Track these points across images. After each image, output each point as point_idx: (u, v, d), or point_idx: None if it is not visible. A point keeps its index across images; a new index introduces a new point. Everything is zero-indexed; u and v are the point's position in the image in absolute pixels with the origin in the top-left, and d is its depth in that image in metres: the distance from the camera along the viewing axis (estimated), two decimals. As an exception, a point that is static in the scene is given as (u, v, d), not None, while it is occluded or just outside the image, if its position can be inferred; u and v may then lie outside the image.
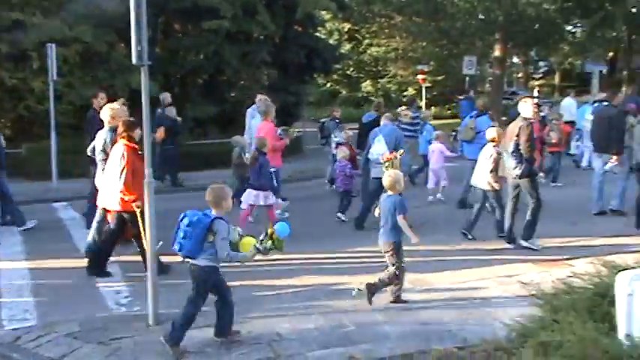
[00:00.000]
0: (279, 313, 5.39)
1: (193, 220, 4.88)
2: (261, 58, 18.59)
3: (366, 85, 38.05)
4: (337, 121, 13.36)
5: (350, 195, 10.20)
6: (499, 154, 8.26)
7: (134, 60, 5.39)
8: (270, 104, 10.72)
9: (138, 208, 6.60)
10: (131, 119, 7.36)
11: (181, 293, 5.30)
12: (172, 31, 19.80)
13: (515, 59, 41.46)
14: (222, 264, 5.04)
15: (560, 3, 25.62)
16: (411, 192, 9.30)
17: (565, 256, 7.57)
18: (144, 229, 6.06)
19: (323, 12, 24.81)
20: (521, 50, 30.90)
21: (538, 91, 27.76)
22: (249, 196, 8.83)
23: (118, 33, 15.33)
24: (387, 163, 7.40)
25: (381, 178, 8.68)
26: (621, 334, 4.06)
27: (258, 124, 10.54)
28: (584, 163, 14.75)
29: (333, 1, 19.72)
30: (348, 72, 38.04)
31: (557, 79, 50.35)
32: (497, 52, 26.71)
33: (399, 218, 5.90)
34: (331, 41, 31.63)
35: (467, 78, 24.30)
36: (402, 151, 8.13)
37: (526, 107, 8.25)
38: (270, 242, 5.00)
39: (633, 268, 4.54)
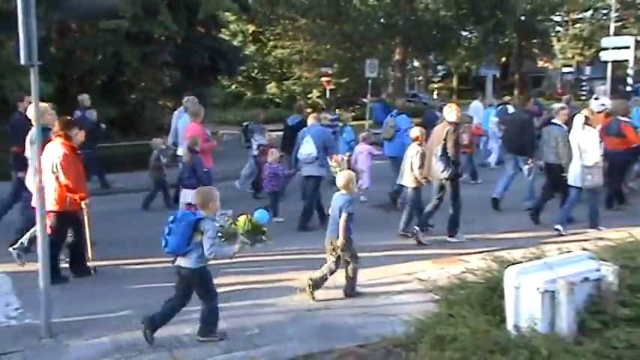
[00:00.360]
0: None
1: (177, 217, 5.06)
2: (162, 60, 18.17)
3: (271, 87, 38.03)
4: (258, 124, 13.34)
5: (279, 196, 10.34)
6: (424, 151, 8.64)
7: (22, 60, 5.13)
8: (200, 105, 10.72)
9: (87, 207, 6.90)
10: (68, 118, 7.32)
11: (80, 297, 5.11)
12: (68, 30, 19.00)
13: (416, 63, 42.82)
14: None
15: (455, 10, 26.73)
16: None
17: (460, 252, 7.90)
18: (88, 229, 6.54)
19: (227, 13, 24.62)
20: (420, 54, 31.94)
21: (437, 94, 28.74)
22: (186, 196, 8.75)
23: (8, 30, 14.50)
24: (335, 164, 7.84)
25: (312, 177, 9.48)
26: (510, 326, 4.30)
27: (186, 125, 10.43)
28: (492, 164, 15.23)
29: (235, 2, 19.56)
30: (252, 74, 37.89)
31: (455, 82, 52.51)
32: (397, 56, 27.52)
33: (343, 216, 6.12)
34: (235, 43, 31.38)
35: (369, 81, 24.85)
36: (348, 154, 8.87)
37: (451, 112, 8.60)
38: (260, 235, 5.15)
39: (520, 262, 4.81)
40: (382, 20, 26.47)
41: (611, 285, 4.35)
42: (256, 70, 37.98)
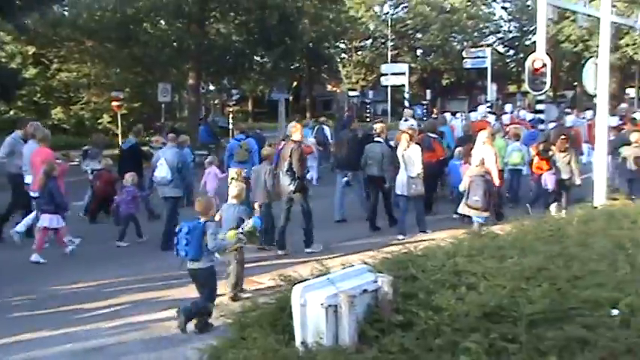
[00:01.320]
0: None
1: (191, 228, 6.13)
2: None
3: (57, 112, 35.49)
4: (98, 149, 13.27)
5: (134, 219, 10.58)
6: (275, 169, 9.58)
7: None
8: (47, 130, 10.82)
9: None
10: None
11: None
12: None
13: (212, 87, 42.92)
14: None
15: (246, 36, 27.33)
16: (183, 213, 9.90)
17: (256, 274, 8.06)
18: None
19: (1, 33, 22.68)
20: (214, 78, 32.12)
21: (232, 117, 29.04)
22: (46, 221, 9.19)
23: None
24: (233, 178, 9.22)
25: (170, 197, 10.07)
26: (298, 343, 4.45)
27: (33, 151, 10.17)
28: (314, 181, 15.83)
29: (10, 23, 18.09)
30: (35, 98, 35.13)
31: (250, 105, 53.52)
32: (191, 80, 27.38)
33: (248, 222, 7.06)
34: (14, 65, 28.94)
35: (162, 105, 24.40)
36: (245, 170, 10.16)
37: (296, 132, 9.77)
38: (248, 227, 6.70)
39: (307, 279, 5.01)
40: (174, 44, 26.15)
41: (387, 294, 4.69)
42: (39, 94, 35.29)
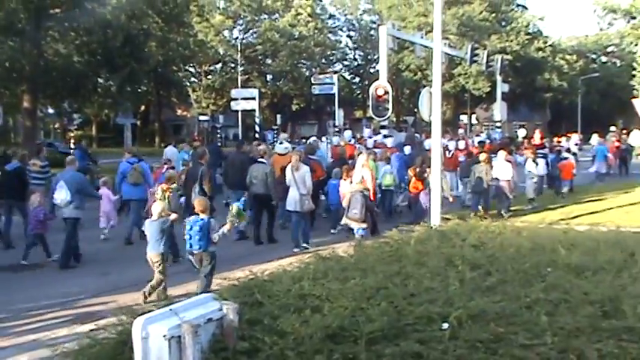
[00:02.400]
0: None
1: (201, 225, 7.79)
2: None
3: None
4: None
5: (43, 239, 10.81)
6: (178, 190, 10.46)
7: None
8: None
9: None
10: None
11: None
12: None
13: (51, 110, 40.51)
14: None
15: (88, 57, 26.16)
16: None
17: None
18: None
19: None
20: (53, 101, 30.30)
21: (74, 142, 27.56)
22: None
23: None
24: (161, 195, 9.92)
25: (70, 218, 10.44)
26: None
27: None
28: None
29: None
30: None
31: (94, 129, 51.17)
32: (26, 103, 25.62)
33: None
34: None
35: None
36: (174, 185, 10.53)
37: (204, 155, 11.49)
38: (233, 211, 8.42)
39: (150, 311, 4.84)
40: (6, 64, 24.31)
41: (232, 322, 4.66)
42: None
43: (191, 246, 7.91)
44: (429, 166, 12.87)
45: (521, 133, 33.45)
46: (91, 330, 5.15)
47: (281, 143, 17.50)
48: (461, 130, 26.80)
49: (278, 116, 51.80)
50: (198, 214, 8.01)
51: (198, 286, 7.89)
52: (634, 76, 37.40)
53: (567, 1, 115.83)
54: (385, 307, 4.71)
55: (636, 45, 30.41)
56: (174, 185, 10.61)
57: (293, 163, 11.76)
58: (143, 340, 4.32)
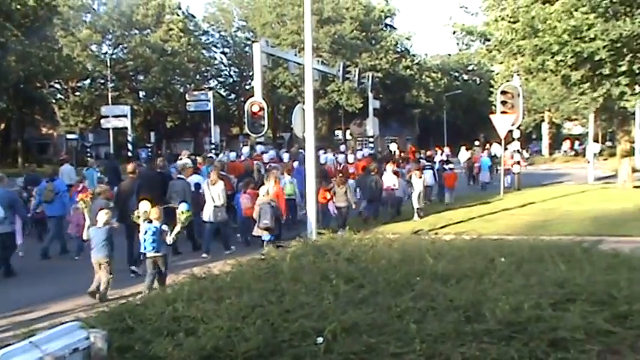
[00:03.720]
0: None
1: (155, 231, 8.85)
2: None
3: None
4: None
5: None
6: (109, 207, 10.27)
7: None
8: None
9: None
10: None
11: None
12: None
13: None
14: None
15: None
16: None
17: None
18: None
19: None
20: None
21: None
22: None
23: None
24: (81, 202, 10.17)
25: (4, 234, 10.87)
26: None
27: None
28: None
29: None
30: None
31: (-55, 150, 47.20)
32: None
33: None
34: None
35: None
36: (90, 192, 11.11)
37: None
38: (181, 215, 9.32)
39: (8, 345, 4.51)
40: None
41: (100, 351, 4.45)
42: None
43: (145, 248, 8.94)
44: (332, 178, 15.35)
45: (393, 147, 34.78)
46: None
47: (180, 158, 18.85)
48: (343, 146, 27.68)
49: (152, 134, 50.46)
50: (151, 221, 8.98)
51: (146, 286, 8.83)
52: (492, 93, 40.24)
53: (430, 21, 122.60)
54: (260, 325, 4.70)
55: (492, 65, 32.70)
56: (103, 202, 10.60)
57: (212, 179, 12.81)
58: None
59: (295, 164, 16.76)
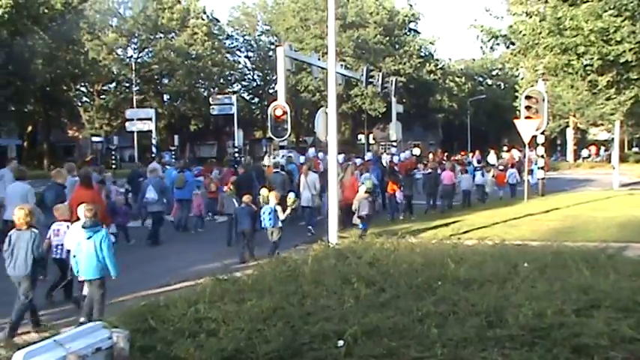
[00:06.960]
0: None
1: (272, 210, 11.70)
2: None
3: None
4: None
5: None
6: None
7: None
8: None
9: None
10: None
11: None
12: None
13: None
14: None
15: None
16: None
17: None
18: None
19: None
20: None
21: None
22: None
23: None
24: (228, 190, 12.94)
25: None
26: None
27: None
28: None
29: None
30: None
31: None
32: None
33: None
34: None
35: None
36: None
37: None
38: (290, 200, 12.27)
39: (32, 343, 4.58)
40: None
41: (122, 350, 4.49)
42: None
43: (264, 224, 11.74)
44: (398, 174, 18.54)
45: (416, 151, 34.75)
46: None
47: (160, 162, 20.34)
48: (369, 153, 28.07)
49: (176, 137, 50.84)
50: (268, 203, 11.84)
51: None
52: (516, 97, 39.92)
53: (454, 26, 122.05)
54: (281, 327, 4.71)
55: (517, 69, 32.48)
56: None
57: (304, 171, 15.84)
58: (22, 374, 4.07)
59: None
